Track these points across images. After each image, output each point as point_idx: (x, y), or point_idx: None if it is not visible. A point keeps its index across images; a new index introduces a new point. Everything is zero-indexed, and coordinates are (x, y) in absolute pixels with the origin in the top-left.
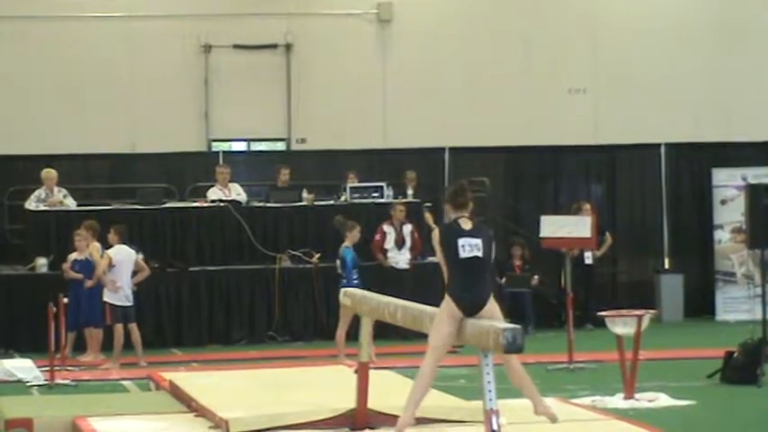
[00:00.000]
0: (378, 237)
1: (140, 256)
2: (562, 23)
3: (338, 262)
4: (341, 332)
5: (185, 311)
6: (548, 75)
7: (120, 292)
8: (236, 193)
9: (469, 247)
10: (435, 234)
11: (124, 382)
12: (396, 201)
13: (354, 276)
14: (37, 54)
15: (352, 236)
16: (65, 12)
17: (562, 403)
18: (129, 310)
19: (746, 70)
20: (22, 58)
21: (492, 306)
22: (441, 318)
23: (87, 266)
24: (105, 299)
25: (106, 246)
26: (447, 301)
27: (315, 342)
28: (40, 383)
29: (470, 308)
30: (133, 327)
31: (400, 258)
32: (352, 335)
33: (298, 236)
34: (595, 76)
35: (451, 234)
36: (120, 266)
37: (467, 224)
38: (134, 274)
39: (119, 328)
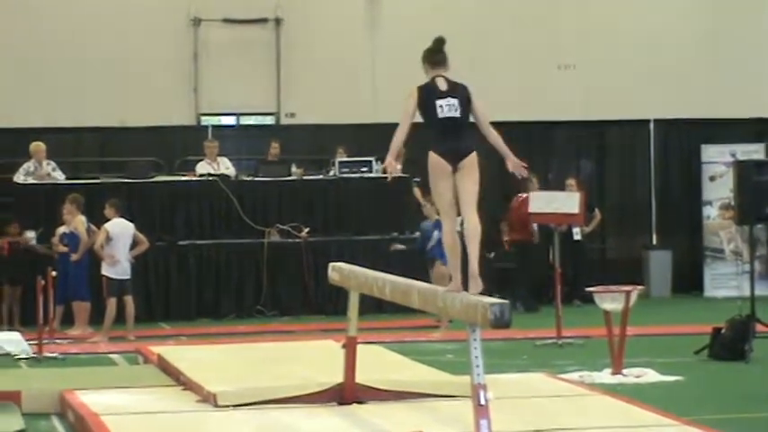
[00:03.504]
0: None
1: None
2: None
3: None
4: None
5: (174, 285)
6: (537, 51)
7: (117, 266)
8: (225, 167)
9: (447, 107)
10: (412, 92)
11: (112, 356)
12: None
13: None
14: (27, 28)
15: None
16: None
17: (550, 378)
18: (127, 282)
19: (737, 47)
20: (13, 31)
21: (473, 159)
22: (434, 181)
23: (74, 240)
24: (103, 272)
25: (97, 219)
26: (432, 160)
27: (303, 317)
28: (28, 356)
29: (454, 157)
30: (129, 299)
31: None
32: (341, 309)
33: (286, 210)
34: (585, 51)
35: (428, 94)
36: (118, 240)
37: (443, 84)
38: (132, 246)
39: (112, 301)
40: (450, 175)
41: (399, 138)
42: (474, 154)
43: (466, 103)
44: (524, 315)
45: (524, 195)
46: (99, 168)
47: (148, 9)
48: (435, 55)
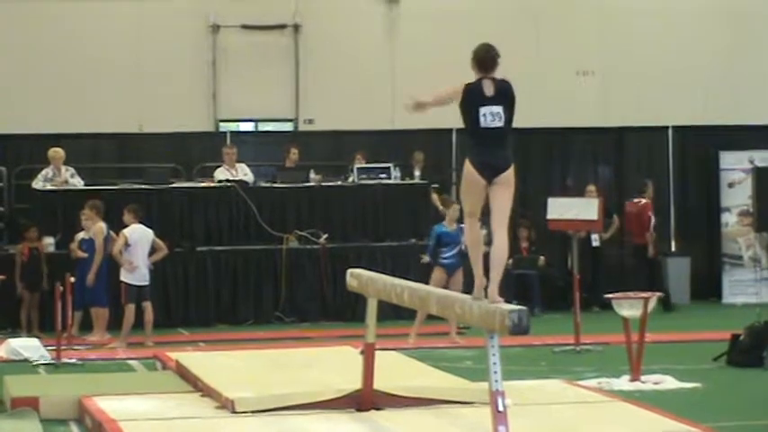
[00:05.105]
0: None
1: None
2: (571, 5)
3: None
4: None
5: (192, 291)
6: (556, 57)
7: (136, 272)
8: (244, 173)
9: (491, 116)
10: (459, 88)
11: (131, 362)
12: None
13: (445, 254)
14: (46, 33)
15: (448, 214)
16: None
17: (568, 385)
18: (145, 288)
19: (755, 53)
20: (31, 37)
21: (510, 174)
22: (465, 193)
23: (93, 246)
24: (122, 278)
25: (115, 225)
26: (468, 171)
27: (321, 323)
28: (47, 362)
29: (491, 172)
30: (147, 306)
31: None
32: (359, 316)
33: (305, 216)
34: (603, 58)
35: (473, 97)
36: (136, 246)
37: (489, 88)
38: (151, 253)
39: (130, 307)
40: (483, 188)
41: (441, 95)
42: (511, 169)
43: (510, 107)
44: (542, 319)
45: (644, 200)
46: (117, 174)
47: (167, 15)
48: (485, 57)
